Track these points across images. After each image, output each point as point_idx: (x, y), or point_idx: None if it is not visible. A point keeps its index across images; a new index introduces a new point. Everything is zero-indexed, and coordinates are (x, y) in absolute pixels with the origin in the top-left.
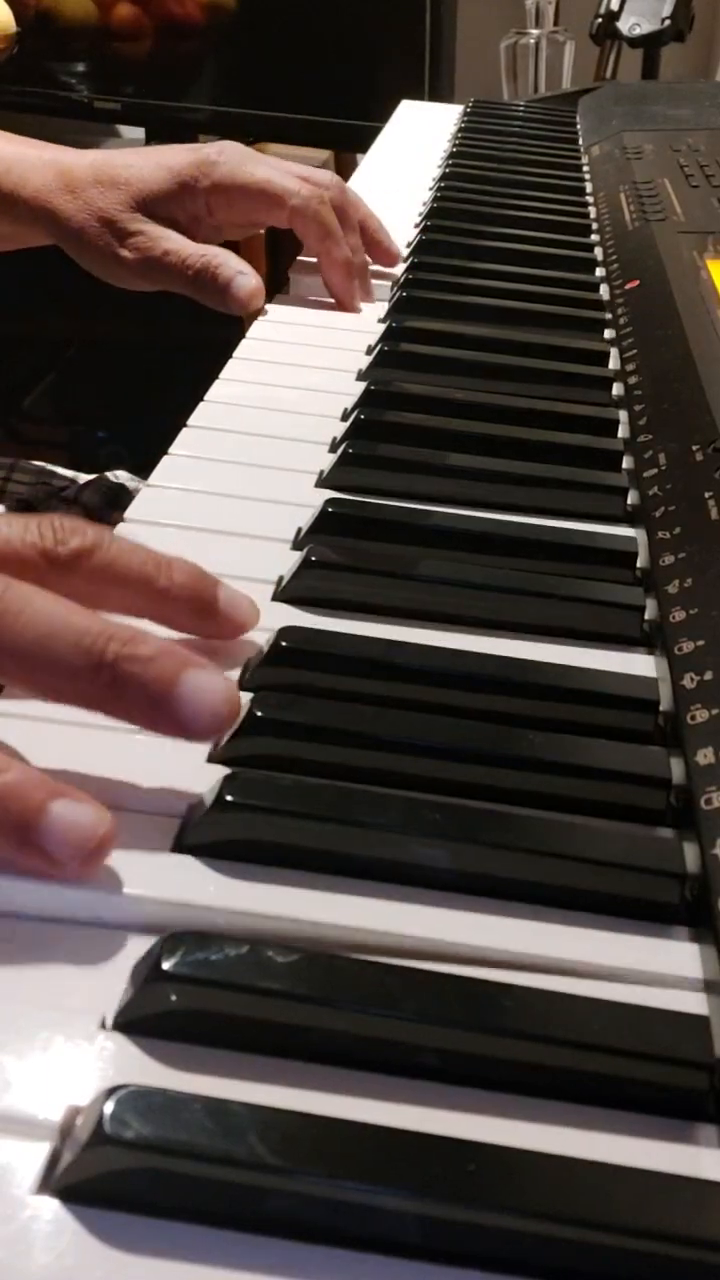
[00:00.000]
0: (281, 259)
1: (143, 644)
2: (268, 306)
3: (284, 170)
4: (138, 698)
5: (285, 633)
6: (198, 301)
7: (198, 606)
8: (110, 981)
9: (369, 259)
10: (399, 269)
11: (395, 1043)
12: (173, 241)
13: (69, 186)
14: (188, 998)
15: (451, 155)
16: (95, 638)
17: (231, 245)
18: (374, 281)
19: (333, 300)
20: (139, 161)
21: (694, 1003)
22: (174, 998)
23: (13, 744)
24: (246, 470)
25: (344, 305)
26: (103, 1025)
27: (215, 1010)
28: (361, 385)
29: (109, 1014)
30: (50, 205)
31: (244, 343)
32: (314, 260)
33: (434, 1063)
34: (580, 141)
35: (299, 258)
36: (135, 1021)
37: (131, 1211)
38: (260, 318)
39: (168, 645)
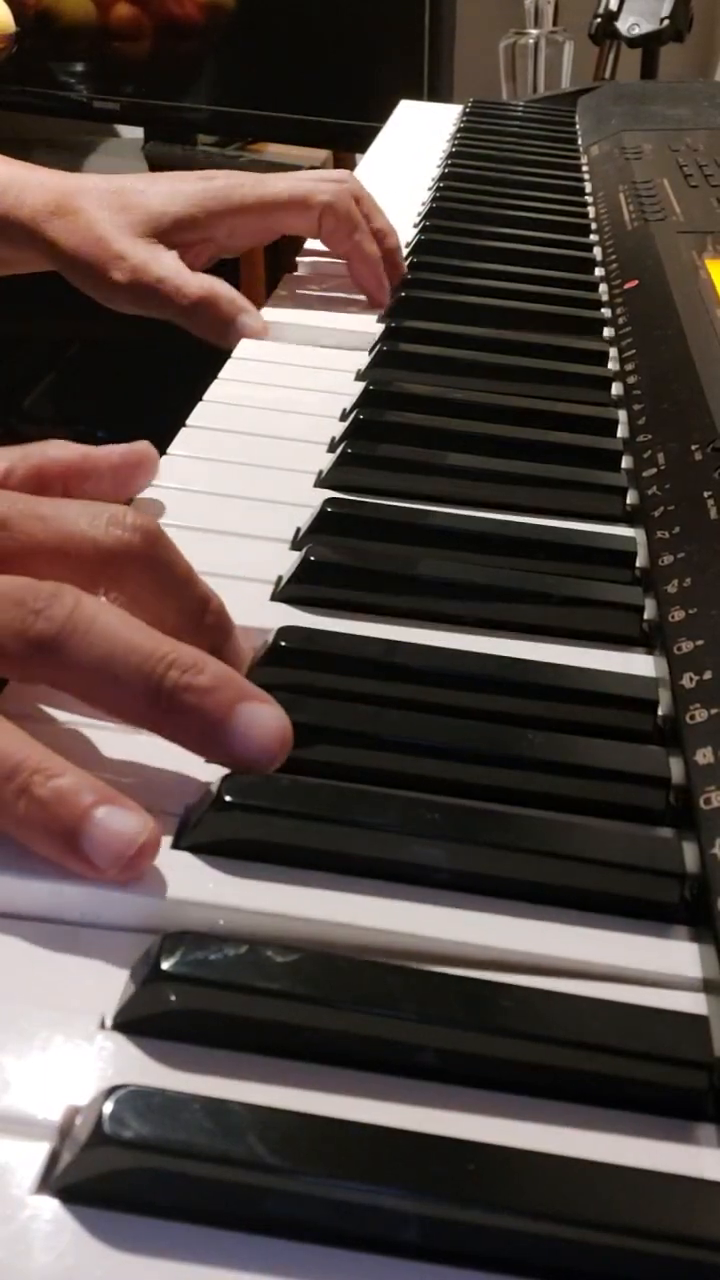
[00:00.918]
0: (282, 258)
1: (202, 672)
2: (266, 307)
3: (298, 178)
4: (192, 726)
5: (284, 633)
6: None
7: (212, 648)
8: (110, 981)
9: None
10: None
11: (395, 1043)
12: (170, 269)
13: (67, 209)
14: (187, 997)
15: (450, 155)
16: (156, 663)
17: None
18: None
19: (332, 294)
20: (149, 187)
21: (693, 1002)
22: (173, 997)
23: None
24: (245, 470)
25: (376, 300)
26: (102, 1025)
27: (214, 1010)
28: (360, 385)
29: (109, 1014)
30: (46, 228)
31: (242, 343)
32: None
33: (434, 1063)
34: (579, 141)
35: (301, 252)
36: (135, 1021)
37: (131, 1211)
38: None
39: (227, 675)
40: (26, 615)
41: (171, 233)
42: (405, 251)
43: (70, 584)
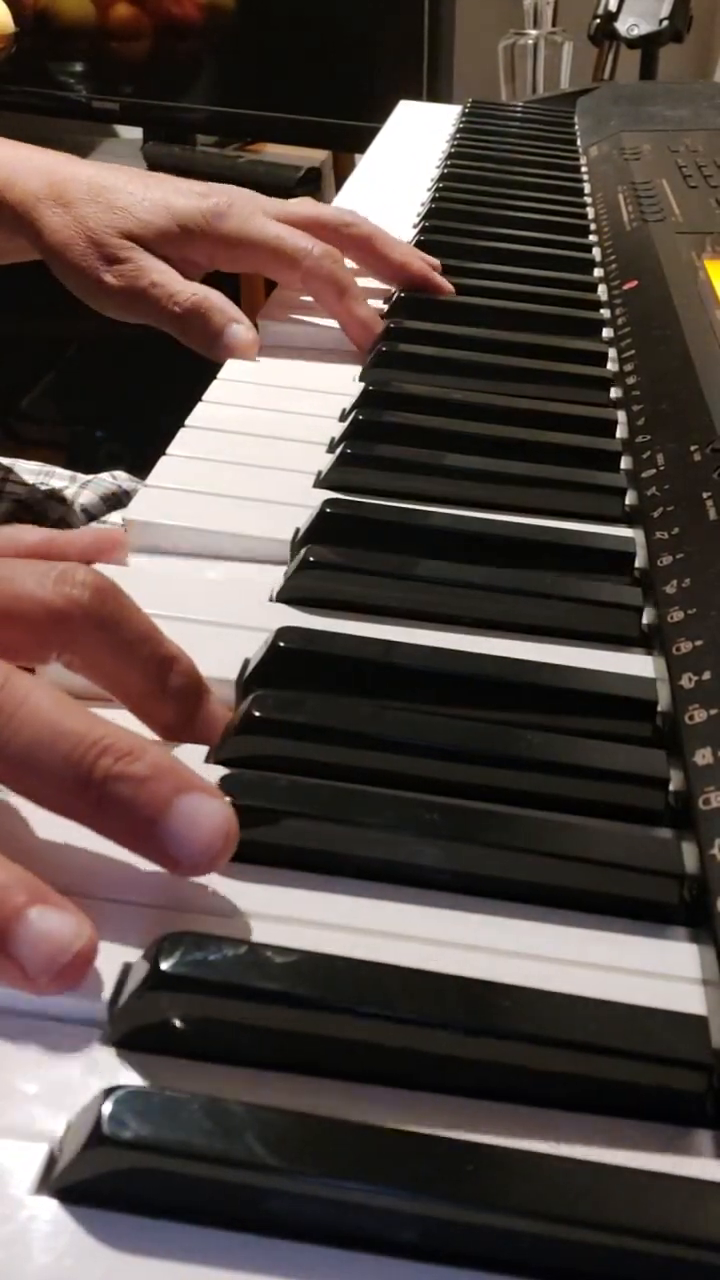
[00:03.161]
0: None
1: (138, 760)
2: (265, 308)
3: (293, 217)
4: (124, 821)
5: (283, 633)
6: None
7: (183, 714)
8: (109, 981)
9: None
10: None
11: (395, 1043)
12: (162, 275)
13: (60, 198)
14: (186, 998)
15: (449, 156)
16: (87, 750)
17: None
18: (371, 282)
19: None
20: (141, 192)
21: (693, 1003)
22: (172, 998)
23: None
24: (245, 470)
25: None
26: (102, 1025)
27: (214, 1010)
28: (360, 385)
29: (107, 1014)
30: (35, 214)
31: None
32: (284, 307)
33: (433, 1063)
34: (578, 142)
35: (273, 293)
36: (134, 1022)
37: (130, 1211)
38: (259, 318)
39: (165, 763)
40: None
41: (154, 245)
42: None
43: (23, 647)
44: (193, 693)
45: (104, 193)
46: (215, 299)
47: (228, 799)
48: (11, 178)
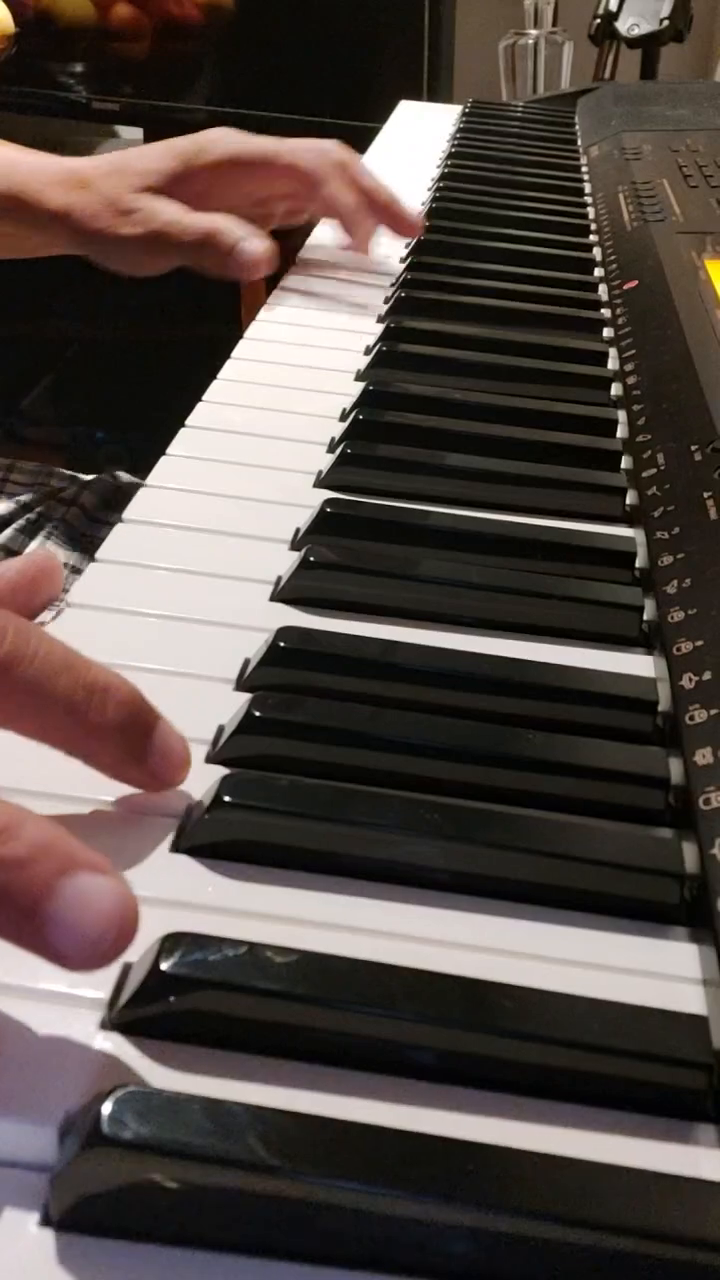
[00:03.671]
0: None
1: (14, 839)
2: (266, 307)
3: (279, 140)
4: (3, 902)
5: (283, 633)
6: (205, 276)
7: (127, 749)
8: (110, 980)
9: (393, 231)
10: (397, 270)
11: (395, 1043)
12: (171, 212)
13: (80, 183)
14: (186, 998)
15: (450, 156)
16: None
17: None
18: (373, 280)
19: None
20: (144, 150)
21: (693, 1002)
22: (172, 998)
23: (7, 746)
24: (245, 470)
25: (359, 247)
26: (101, 1025)
27: (214, 1010)
28: (360, 385)
29: (107, 1014)
30: (60, 200)
31: (242, 343)
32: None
33: (434, 1063)
34: (579, 142)
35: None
36: (134, 1022)
37: (130, 1212)
38: (259, 318)
39: (49, 841)
40: None
41: (167, 189)
42: (405, 251)
43: None
44: (135, 724)
45: (110, 162)
46: (222, 221)
47: (122, 878)
48: (30, 176)
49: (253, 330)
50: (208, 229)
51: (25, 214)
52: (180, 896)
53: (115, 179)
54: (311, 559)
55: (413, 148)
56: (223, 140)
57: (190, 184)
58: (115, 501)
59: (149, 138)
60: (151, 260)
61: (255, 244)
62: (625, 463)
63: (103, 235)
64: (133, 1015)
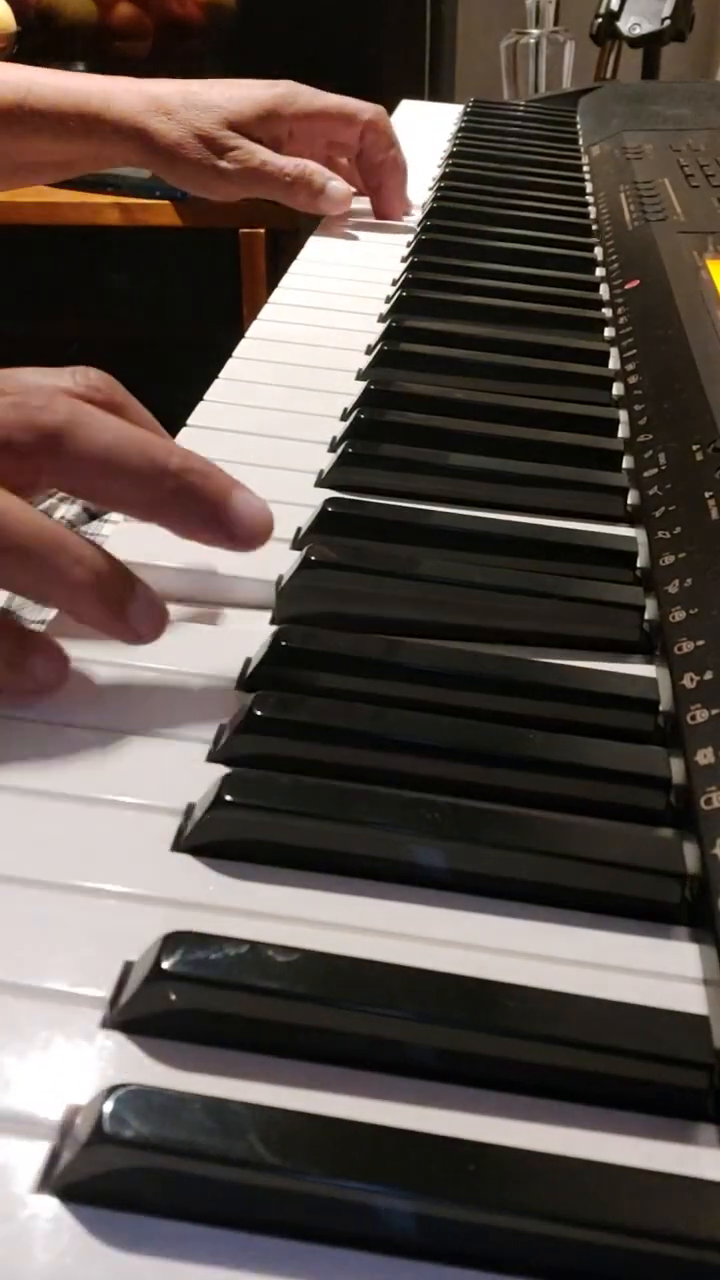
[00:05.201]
0: (281, 259)
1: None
2: (267, 306)
3: (343, 98)
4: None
5: (285, 632)
6: (287, 206)
7: (205, 511)
8: (110, 980)
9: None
10: (398, 269)
11: (395, 1042)
12: (267, 154)
13: (163, 109)
14: (187, 997)
15: (451, 155)
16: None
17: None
18: (375, 279)
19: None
20: (225, 90)
21: (694, 1002)
22: (174, 997)
23: (8, 744)
24: (246, 469)
25: (389, 211)
26: (103, 1024)
27: (215, 1009)
28: (361, 385)
29: (108, 1013)
30: (142, 124)
31: (243, 343)
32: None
33: (434, 1063)
34: (580, 141)
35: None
36: (135, 1021)
37: (131, 1211)
38: (260, 317)
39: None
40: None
41: (248, 130)
42: (406, 251)
43: (8, 475)
44: (212, 485)
45: (196, 97)
46: (313, 165)
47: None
48: (108, 99)
49: (254, 329)
50: (303, 172)
51: (91, 129)
52: (181, 896)
53: (203, 112)
54: (312, 558)
55: (414, 147)
56: (304, 91)
57: (273, 127)
58: None
59: None
60: (238, 192)
61: (343, 185)
62: (626, 462)
63: (196, 165)
64: (134, 1014)
